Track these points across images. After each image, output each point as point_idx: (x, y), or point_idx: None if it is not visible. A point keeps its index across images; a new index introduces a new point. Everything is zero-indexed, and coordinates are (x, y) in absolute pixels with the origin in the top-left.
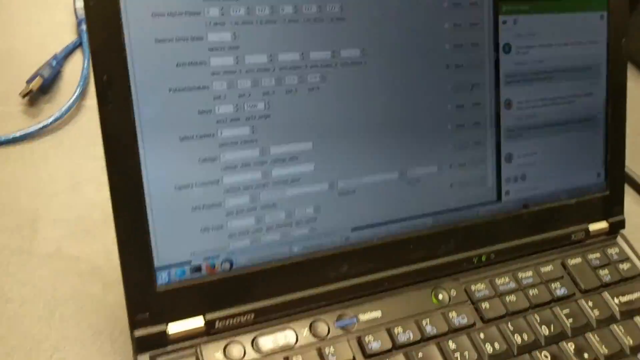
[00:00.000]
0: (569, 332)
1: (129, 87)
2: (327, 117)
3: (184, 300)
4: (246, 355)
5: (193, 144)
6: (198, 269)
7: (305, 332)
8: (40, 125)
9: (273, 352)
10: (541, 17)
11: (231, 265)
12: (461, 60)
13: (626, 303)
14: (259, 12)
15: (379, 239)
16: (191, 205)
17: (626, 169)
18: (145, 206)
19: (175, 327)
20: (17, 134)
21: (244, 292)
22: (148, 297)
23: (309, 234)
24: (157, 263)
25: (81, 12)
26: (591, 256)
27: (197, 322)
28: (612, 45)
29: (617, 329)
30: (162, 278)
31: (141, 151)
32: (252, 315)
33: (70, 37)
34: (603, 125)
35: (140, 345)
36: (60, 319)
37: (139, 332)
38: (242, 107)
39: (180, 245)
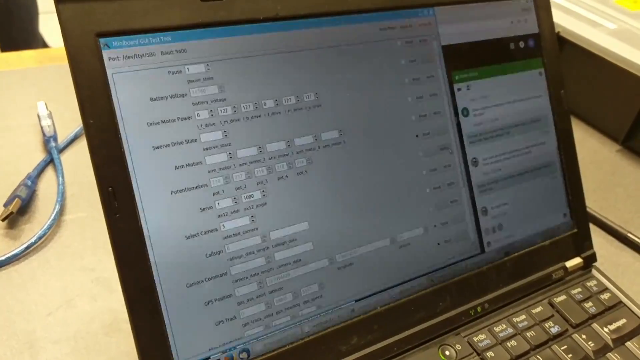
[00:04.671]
0: None
1: (133, 195)
2: (317, 196)
3: None
4: None
5: (199, 240)
6: None
7: None
8: (25, 245)
9: None
10: (490, 81)
11: (248, 354)
12: (427, 128)
13: (615, 330)
14: (244, 109)
15: (382, 306)
16: (203, 300)
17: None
18: (160, 307)
19: None
20: (2, 258)
21: None
22: None
23: (317, 311)
24: None
25: (48, 130)
26: (574, 292)
27: None
28: (554, 97)
29: (614, 356)
30: None
31: (150, 254)
32: None
33: (39, 155)
34: (559, 169)
35: None
36: None
37: None
38: (240, 199)
39: (198, 342)
